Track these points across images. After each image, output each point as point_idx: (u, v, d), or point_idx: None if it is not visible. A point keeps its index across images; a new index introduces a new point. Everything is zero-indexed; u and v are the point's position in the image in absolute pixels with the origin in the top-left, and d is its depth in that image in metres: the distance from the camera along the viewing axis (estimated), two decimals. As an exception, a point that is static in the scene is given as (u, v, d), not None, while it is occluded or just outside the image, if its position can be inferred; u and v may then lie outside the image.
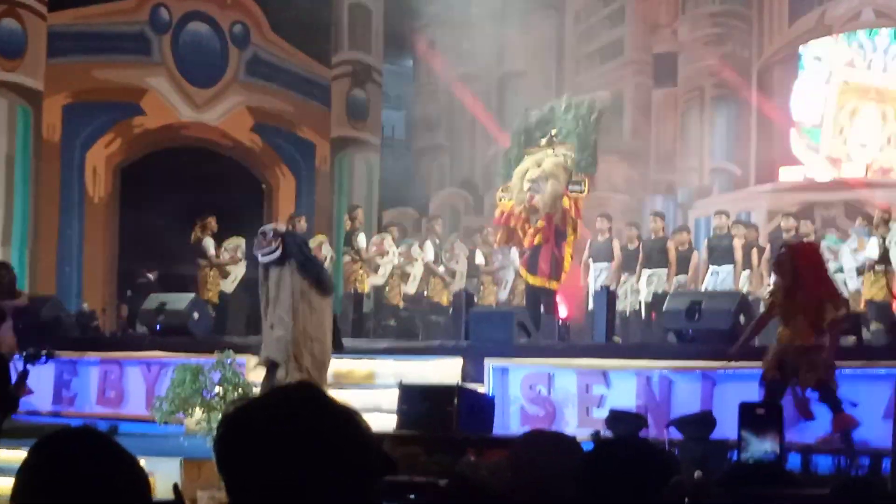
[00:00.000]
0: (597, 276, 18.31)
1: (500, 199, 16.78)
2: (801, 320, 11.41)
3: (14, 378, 10.17)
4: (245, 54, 24.08)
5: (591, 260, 18.43)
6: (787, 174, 23.81)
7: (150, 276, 20.60)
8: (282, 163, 24.68)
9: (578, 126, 16.41)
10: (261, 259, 12.86)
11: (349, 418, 2.22)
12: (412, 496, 5.28)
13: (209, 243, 18.39)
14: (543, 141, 16.49)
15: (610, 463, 3.46)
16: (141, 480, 2.39)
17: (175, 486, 4.59)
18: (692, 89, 25.64)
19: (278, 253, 12.58)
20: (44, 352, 9.90)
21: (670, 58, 25.97)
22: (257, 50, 24.22)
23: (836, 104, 24.02)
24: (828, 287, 11.84)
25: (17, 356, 13.36)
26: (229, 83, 23.85)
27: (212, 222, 18.48)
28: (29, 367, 9.95)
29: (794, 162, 24.12)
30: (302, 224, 19.34)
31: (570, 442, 3.97)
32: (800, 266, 11.66)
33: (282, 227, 13.34)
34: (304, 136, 25.00)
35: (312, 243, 19.36)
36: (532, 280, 16.28)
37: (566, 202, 16.04)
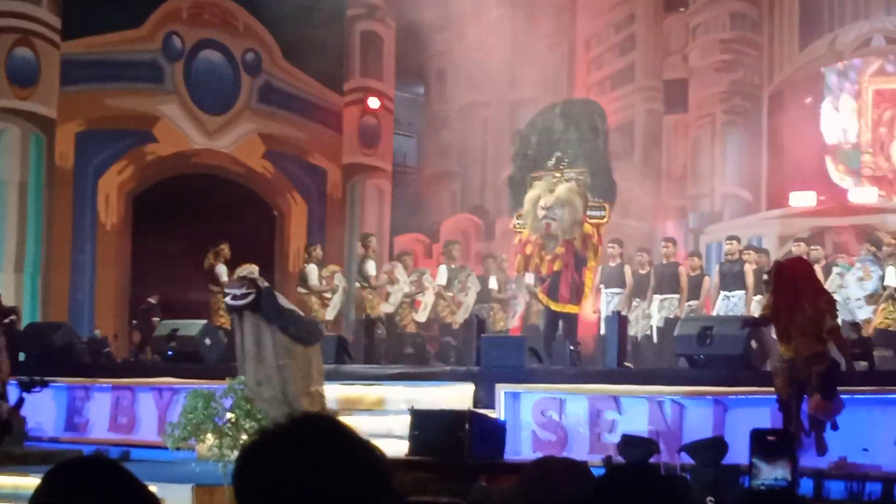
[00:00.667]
0: (608, 301, 18.32)
1: (516, 227, 16.70)
2: (804, 333, 11.47)
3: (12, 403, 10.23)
4: (257, 81, 24.18)
5: (602, 286, 18.43)
6: (797, 199, 23.75)
7: (152, 300, 20.66)
8: (293, 189, 24.73)
9: (586, 147, 16.35)
10: (228, 300, 12.94)
11: (367, 451, 2.24)
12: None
13: (222, 270, 18.43)
14: (549, 164, 16.43)
15: (620, 489, 3.46)
16: None
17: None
18: (703, 115, 25.68)
19: (246, 301, 12.59)
20: (38, 380, 9.97)
21: (681, 84, 26.02)
22: (269, 77, 24.31)
23: (871, 118, 23.99)
24: (826, 296, 11.92)
25: (11, 382, 13.49)
26: (241, 110, 23.94)
27: (225, 249, 18.53)
28: (24, 395, 10.04)
29: (805, 187, 24.09)
30: (318, 253, 19.36)
31: (581, 468, 3.97)
32: (797, 281, 11.75)
33: (263, 282, 13.35)
34: (316, 162, 25.06)
35: (325, 273, 19.36)
36: (554, 306, 16.23)
37: (588, 228, 16.00)
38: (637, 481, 3.48)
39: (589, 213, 15.98)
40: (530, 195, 16.32)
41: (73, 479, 2.38)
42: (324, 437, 2.22)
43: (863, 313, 16.87)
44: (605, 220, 16.18)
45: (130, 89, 22.59)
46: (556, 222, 15.93)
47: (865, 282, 16.86)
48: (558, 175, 16.21)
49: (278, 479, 2.17)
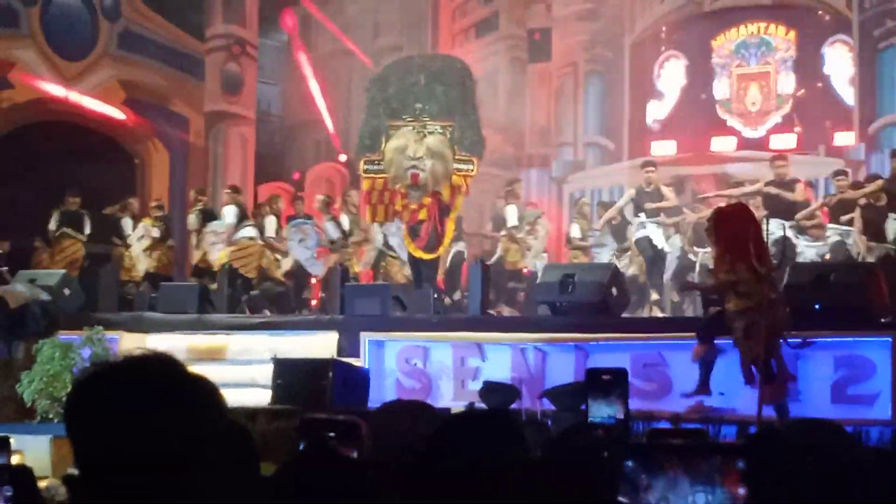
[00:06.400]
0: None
1: (366, 172, 16.69)
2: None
3: None
4: (116, 27, 23.69)
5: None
6: (658, 148, 23.95)
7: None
8: (154, 137, 24.36)
9: (454, 102, 16.41)
10: None
11: (204, 388, 2.22)
12: (331, 434, 5.32)
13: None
14: (408, 115, 16.43)
15: (460, 433, 3.47)
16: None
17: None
18: (566, 64, 25.81)
19: None
20: None
21: (545, 33, 26.11)
22: (129, 23, 23.83)
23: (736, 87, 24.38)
24: (719, 250, 11.69)
25: None
26: (100, 56, 23.45)
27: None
28: None
29: (665, 136, 24.38)
30: (134, 207, 18.99)
31: (426, 408, 4.01)
32: (724, 231, 11.56)
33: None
34: (178, 110, 24.69)
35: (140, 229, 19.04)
36: (411, 249, 16.39)
37: (457, 180, 16.19)
38: (477, 425, 3.49)
39: (457, 165, 16.15)
40: (394, 144, 16.32)
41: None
42: (159, 373, 2.19)
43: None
44: (473, 172, 16.41)
45: (-16, 34, 22.00)
46: (426, 173, 16.04)
47: None
48: (420, 126, 16.27)
49: (109, 414, 2.14)
